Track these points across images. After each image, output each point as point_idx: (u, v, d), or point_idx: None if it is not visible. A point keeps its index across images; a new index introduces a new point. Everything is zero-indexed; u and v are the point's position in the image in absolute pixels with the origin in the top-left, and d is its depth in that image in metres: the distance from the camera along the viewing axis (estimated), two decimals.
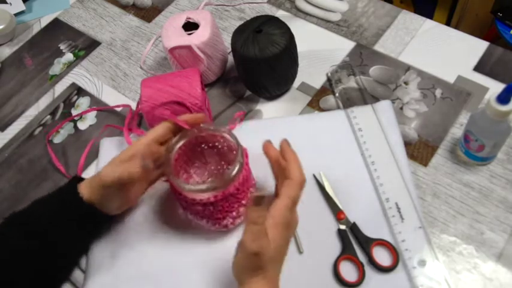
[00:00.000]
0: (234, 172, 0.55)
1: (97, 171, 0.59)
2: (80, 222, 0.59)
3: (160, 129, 0.59)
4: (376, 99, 0.74)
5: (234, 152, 0.61)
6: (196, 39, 0.71)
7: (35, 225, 0.57)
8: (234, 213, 0.59)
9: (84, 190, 0.58)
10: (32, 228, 0.56)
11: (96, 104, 0.81)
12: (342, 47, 0.81)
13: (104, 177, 0.57)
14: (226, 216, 0.59)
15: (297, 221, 0.55)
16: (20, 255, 0.55)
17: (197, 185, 0.56)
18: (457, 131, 0.69)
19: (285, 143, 0.55)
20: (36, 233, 0.56)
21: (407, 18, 0.83)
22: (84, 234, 0.62)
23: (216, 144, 0.64)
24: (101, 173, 0.57)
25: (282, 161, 0.54)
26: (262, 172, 0.66)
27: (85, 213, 0.58)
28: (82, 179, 0.61)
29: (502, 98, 0.54)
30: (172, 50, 0.73)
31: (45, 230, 0.57)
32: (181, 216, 0.64)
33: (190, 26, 0.75)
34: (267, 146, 0.56)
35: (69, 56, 0.88)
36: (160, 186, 0.67)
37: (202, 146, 0.64)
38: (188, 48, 0.72)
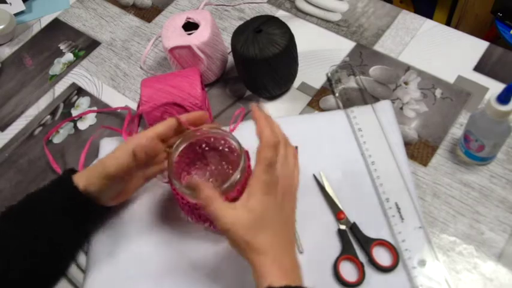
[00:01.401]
0: (237, 179, 0.55)
1: (93, 163, 0.59)
2: (75, 214, 0.58)
3: (162, 126, 0.59)
4: (376, 99, 0.74)
5: (236, 154, 0.61)
6: (196, 39, 0.71)
7: (29, 219, 0.56)
8: None
9: (79, 181, 0.57)
10: (26, 222, 0.56)
11: (96, 104, 0.81)
12: (342, 47, 0.81)
13: (108, 167, 0.56)
14: None
15: (290, 180, 0.53)
16: (14, 249, 0.54)
17: None
18: (457, 131, 0.69)
19: (254, 107, 0.52)
20: (31, 226, 0.56)
21: (407, 18, 0.83)
22: (79, 227, 0.61)
23: (217, 145, 0.64)
24: (105, 163, 0.57)
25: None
26: None
27: (81, 204, 0.58)
28: (75, 171, 0.60)
29: (502, 98, 0.54)
30: (172, 50, 0.73)
31: (40, 223, 0.56)
32: (183, 219, 0.64)
33: (190, 26, 0.75)
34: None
35: (69, 56, 0.88)
36: (161, 187, 0.68)
37: (203, 146, 0.64)
38: (188, 48, 0.72)
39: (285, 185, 0.52)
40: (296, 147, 0.58)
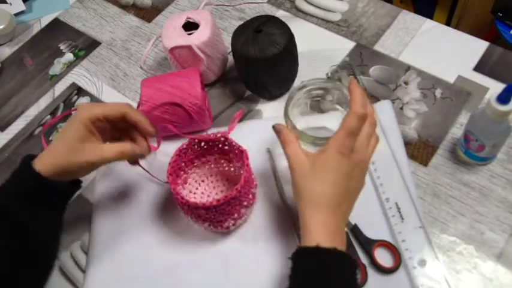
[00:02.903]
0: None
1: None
2: (40, 196, 0.56)
3: (113, 110, 0.58)
4: (376, 99, 0.74)
5: (237, 150, 0.61)
6: (196, 39, 0.71)
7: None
8: (236, 215, 0.59)
9: (40, 166, 0.55)
10: None
11: None
12: (342, 47, 0.81)
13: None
14: (227, 218, 0.59)
15: (364, 157, 0.52)
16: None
17: None
18: (457, 131, 0.69)
19: (352, 80, 0.54)
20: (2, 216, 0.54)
21: (407, 18, 0.83)
22: (49, 209, 0.58)
23: (216, 143, 0.64)
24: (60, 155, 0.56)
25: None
26: (262, 170, 0.66)
27: (44, 187, 0.56)
28: (35, 156, 0.58)
29: (502, 98, 0.54)
30: (172, 50, 0.73)
31: (8, 212, 0.55)
32: (183, 219, 0.64)
33: (190, 26, 0.75)
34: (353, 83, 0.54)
35: (69, 56, 0.88)
36: (160, 186, 0.68)
37: (202, 145, 0.64)
38: (188, 48, 0.72)
39: (359, 159, 0.52)
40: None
